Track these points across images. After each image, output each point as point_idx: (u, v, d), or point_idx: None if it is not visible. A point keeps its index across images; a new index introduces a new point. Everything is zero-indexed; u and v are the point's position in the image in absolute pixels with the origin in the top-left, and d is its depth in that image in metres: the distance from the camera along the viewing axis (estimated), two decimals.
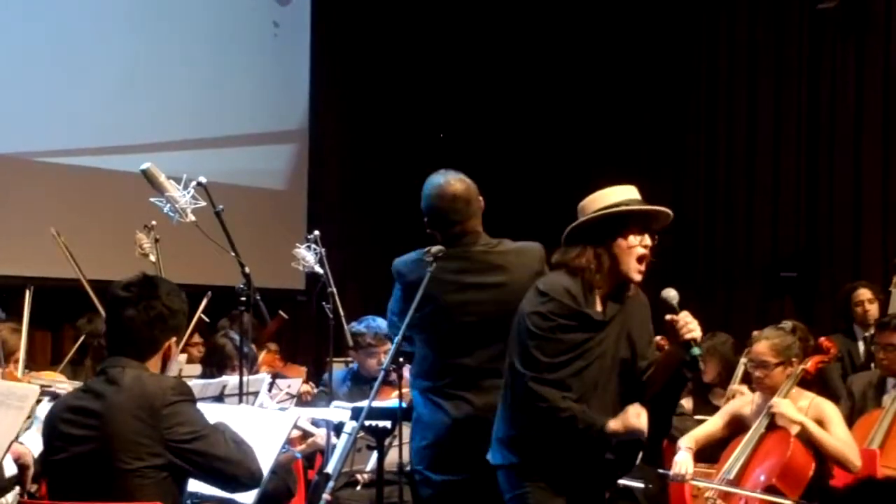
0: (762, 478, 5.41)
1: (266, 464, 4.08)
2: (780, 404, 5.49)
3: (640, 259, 4.25)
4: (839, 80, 9.85)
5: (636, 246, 4.23)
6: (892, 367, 6.35)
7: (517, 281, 4.56)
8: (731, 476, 5.46)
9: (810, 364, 5.74)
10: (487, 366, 4.59)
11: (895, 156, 9.54)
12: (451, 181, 4.75)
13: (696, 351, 4.17)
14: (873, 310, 7.71)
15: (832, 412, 5.58)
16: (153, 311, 3.77)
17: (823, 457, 5.46)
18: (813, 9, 9.82)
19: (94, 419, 3.68)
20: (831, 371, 7.28)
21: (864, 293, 7.81)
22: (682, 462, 5.45)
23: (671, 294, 4.26)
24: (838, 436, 5.47)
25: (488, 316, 4.60)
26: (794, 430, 5.47)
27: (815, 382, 5.92)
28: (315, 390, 6.91)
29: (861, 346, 7.68)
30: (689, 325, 4.18)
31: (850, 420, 6.11)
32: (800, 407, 5.53)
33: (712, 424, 5.72)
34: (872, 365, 6.80)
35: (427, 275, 4.52)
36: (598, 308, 4.27)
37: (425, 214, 4.80)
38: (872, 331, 7.11)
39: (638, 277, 4.26)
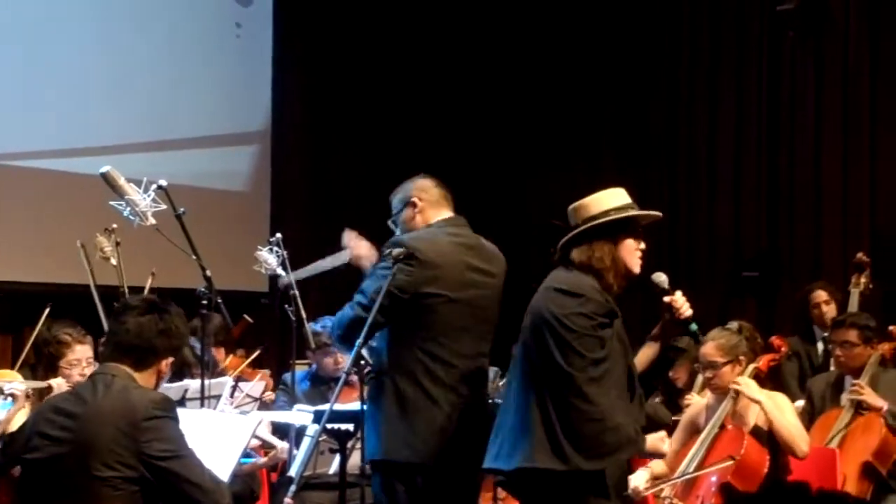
0: (717, 476, 5.45)
1: (227, 468, 4.08)
2: (744, 383, 5.58)
3: (639, 257, 4.52)
4: (799, 82, 9.90)
5: (637, 248, 4.50)
6: (849, 364, 6.40)
7: (499, 280, 4.88)
8: (689, 471, 5.50)
9: (762, 362, 5.83)
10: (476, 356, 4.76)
11: (854, 156, 9.59)
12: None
13: (694, 327, 4.56)
14: (830, 310, 7.76)
15: (784, 402, 5.70)
16: (162, 324, 3.87)
17: (778, 453, 5.52)
18: (773, 10, 9.86)
19: (73, 422, 3.72)
20: (786, 369, 7.33)
21: (820, 295, 7.86)
22: (635, 478, 5.48)
23: (662, 278, 4.57)
24: (790, 421, 5.57)
25: (482, 304, 4.77)
26: (752, 417, 5.55)
27: (768, 381, 5.97)
28: (273, 395, 6.89)
29: (820, 346, 7.72)
30: (686, 304, 4.53)
31: (811, 422, 6.16)
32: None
33: (675, 441, 5.75)
34: (831, 366, 6.84)
35: (390, 277, 4.55)
36: None
37: (405, 204, 4.94)
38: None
39: (638, 269, 4.51)
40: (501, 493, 5.70)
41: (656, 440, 4.49)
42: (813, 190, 9.79)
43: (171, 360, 3.89)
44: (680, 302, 4.52)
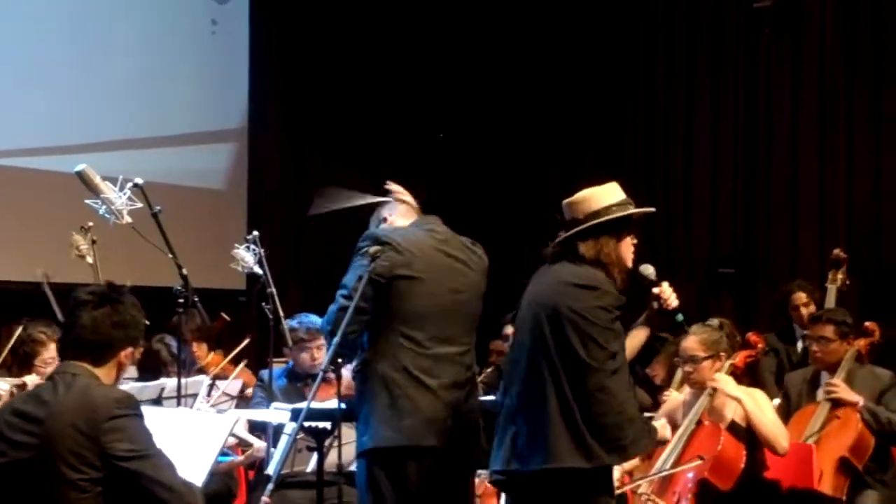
0: (694, 472, 5.47)
1: (204, 467, 4.06)
2: (722, 379, 5.61)
3: (633, 252, 4.60)
4: (775, 79, 9.94)
5: (633, 243, 4.58)
6: (825, 360, 6.41)
7: (478, 272, 4.91)
8: (665, 469, 5.52)
9: (738, 359, 5.86)
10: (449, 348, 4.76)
11: (830, 153, 9.63)
12: None
13: (681, 317, 4.66)
14: (810, 311, 7.77)
15: (762, 399, 5.73)
16: (116, 316, 3.76)
17: (754, 448, 5.54)
18: (749, 8, 9.90)
19: (35, 426, 3.62)
20: (763, 365, 7.34)
21: (800, 297, 7.88)
22: None
23: (650, 270, 4.65)
24: (769, 418, 5.60)
25: (459, 289, 4.80)
26: (729, 413, 5.57)
27: (745, 377, 6.00)
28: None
29: (800, 345, 7.75)
30: (674, 295, 4.62)
31: (788, 418, 6.18)
32: (731, 399, 5.66)
33: None
34: (809, 361, 6.86)
35: (366, 275, 4.57)
36: None
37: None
38: None
39: (630, 265, 4.58)
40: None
41: (661, 428, 4.51)
42: (789, 187, 9.82)
43: (130, 350, 3.80)
44: (667, 293, 4.60)
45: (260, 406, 6.19)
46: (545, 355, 4.38)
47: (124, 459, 3.55)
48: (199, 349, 7.12)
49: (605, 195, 4.55)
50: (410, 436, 4.63)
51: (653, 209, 4.73)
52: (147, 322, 7.40)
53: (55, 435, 3.58)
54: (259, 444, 5.73)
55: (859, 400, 6.14)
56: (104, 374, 3.74)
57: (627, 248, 4.54)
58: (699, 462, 5.37)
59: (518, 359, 4.49)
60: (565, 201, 4.57)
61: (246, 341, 6.96)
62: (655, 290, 4.61)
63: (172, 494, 3.58)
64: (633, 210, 4.54)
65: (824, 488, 5.96)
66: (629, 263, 4.55)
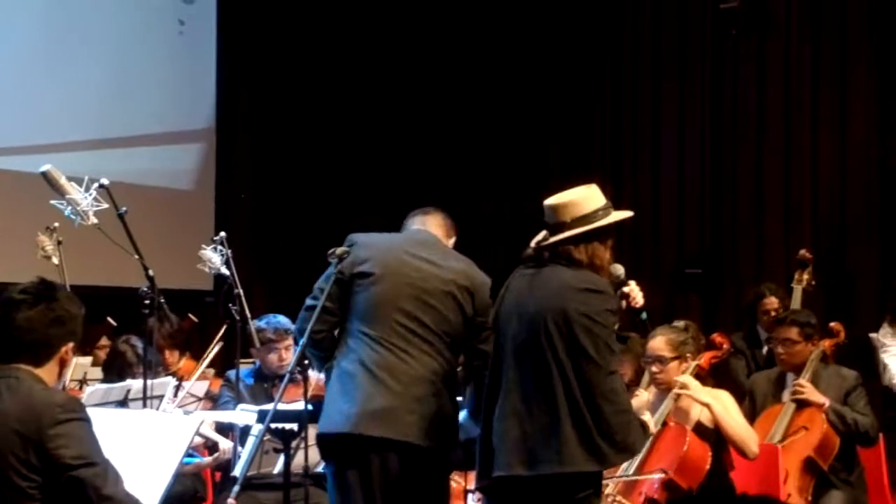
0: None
1: (169, 469, 4.04)
2: (691, 385, 5.63)
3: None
4: (741, 80, 9.98)
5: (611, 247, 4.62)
6: (790, 362, 6.44)
7: (453, 270, 4.83)
8: (630, 472, 5.53)
9: (704, 360, 5.89)
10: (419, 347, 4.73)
11: (796, 154, 9.68)
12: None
13: (644, 315, 4.72)
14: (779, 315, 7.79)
15: (729, 401, 5.73)
16: (52, 313, 3.63)
17: (720, 449, 5.57)
18: (716, 8, 9.93)
19: None
20: (736, 365, 7.38)
21: (772, 302, 7.82)
22: None
23: (620, 270, 4.67)
24: (737, 422, 5.63)
25: (424, 287, 4.75)
26: (695, 414, 5.59)
27: (710, 378, 6.02)
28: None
29: (765, 349, 7.77)
30: (640, 294, 4.69)
31: (753, 419, 6.20)
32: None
33: None
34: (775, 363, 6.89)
35: (332, 275, 4.58)
36: None
37: None
38: None
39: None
40: None
41: (651, 424, 4.64)
42: (755, 188, 9.86)
43: (71, 345, 3.69)
44: (635, 292, 4.66)
45: (227, 405, 6.18)
46: (555, 358, 4.36)
47: (71, 468, 3.42)
48: (171, 356, 7.03)
49: (591, 199, 4.56)
50: (355, 423, 4.60)
51: (631, 213, 4.73)
52: (114, 323, 7.41)
53: (0, 442, 3.46)
54: (226, 444, 5.72)
55: (826, 401, 6.17)
56: (46, 373, 3.62)
57: (609, 251, 4.59)
58: (661, 475, 5.40)
59: (507, 360, 4.47)
60: (548, 203, 4.55)
61: (219, 345, 6.93)
62: (625, 289, 4.65)
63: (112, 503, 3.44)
64: (622, 216, 4.59)
65: (790, 488, 5.99)
66: (610, 266, 4.61)
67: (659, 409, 5.69)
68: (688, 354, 5.76)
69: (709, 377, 5.98)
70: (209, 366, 6.79)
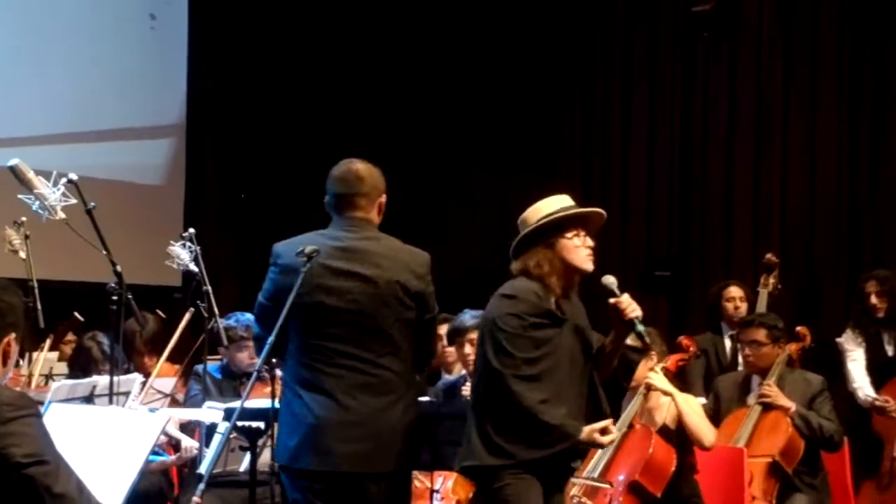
0: (625, 475, 5.52)
1: (135, 466, 4.03)
2: (655, 377, 5.70)
3: (587, 255, 4.60)
4: (713, 83, 10.01)
5: (580, 246, 4.57)
6: (757, 364, 6.47)
7: (385, 278, 4.55)
8: (595, 474, 5.56)
9: (671, 362, 5.94)
10: (348, 362, 4.51)
11: (766, 159, 9.72)
12: (355, 161, 4.76)
13: (640, 327, 4.58)
14: (743, 308, 7.85)
15: (692, 399, 5.85)
16: None
17: (685, 451, 5.60)
18: (688, 11, 9.96)
19: None
20: (692, 368, 7.42)
21: (736, 291, 7.96)
22: None
23: (611, 280, 4.63)
24: (697, 414, 5.71)
25: (353, 308, 4.52)
26: (661, 416, 5.62)
27: (676, 381, 6.06)
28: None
29: (728, 343, 7.82)
30: (632, 305, 4.55)
31: (716, 421, 6.24)
32: (662, 402, 5.72)
33: None
34: (739, 365, 6.94)
35: (301, 275, 4.48)
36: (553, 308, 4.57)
37: (326, 194, 4.76)
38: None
39: (590, 266, 4.61)
40: None
41: (593, 431, 4.48)
42: (724, 191, 9.90)
43: (13, 336, 3.59)
44: (625, 304, 4.56)
45: (196, 398, 6.16)
46: (478, 362, 4.60)
47: (22, 466, 3.26)
48: (150, 361, 6.87)
49: (544, 207, 4.62)
50: (291, 457, 4.52)
51: (586, 210, 4.69)
52: (81, 318, 7.37)
53: None
54: (190, 442, 5.70)
55: (792, 406, 6.21)
56: None
57: (570, 251, 4.55)
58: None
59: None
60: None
61: (200, 339, 6.88)
62: (611, 300, 4.58)
63: (66, 503, 3.28)
64: (553, 217, 4.55)
65: (754, 491, 6.02)
66: (581, 265, 4.56)
67: (626, 410, 5.71)
68: (653, 353, 5.79)
69: (675, 380, 6.01)
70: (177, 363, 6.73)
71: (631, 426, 5.67)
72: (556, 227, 4.56)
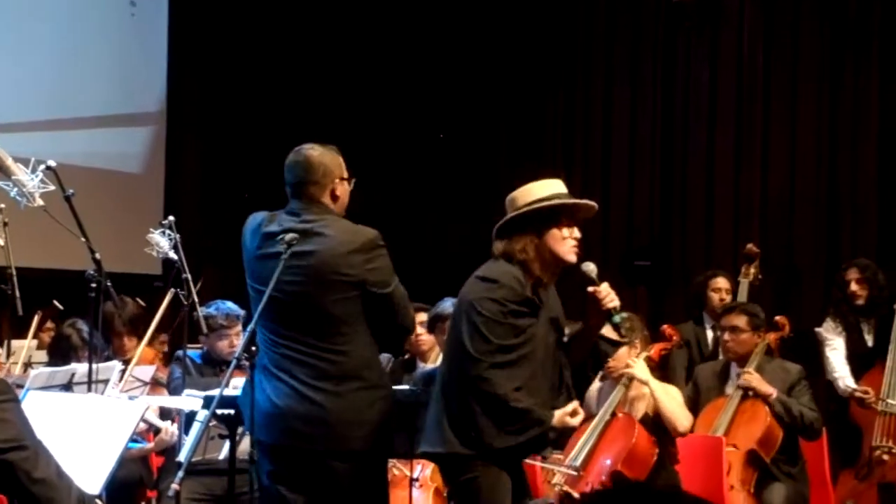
0: (608, 463, 5.53)
1: (114, 455, 4.02)
2: (635, 367, 5.69)
3: (572, 246, 4.53)
4: (694, 72, 10.03)
5: (568, 238, 4.51)
6: (736, 350, 6.47)
7: (321, 258, 4.50)
8: (578, 463, 5.57)
9: (654, 351, 5.92)
10: (292, 344, 4.51)
11: (747, 149, 9.74)
12: (309, 146, 4.72)
13: (617, 318, 4.52)
14: (728, 301, 7.85)
15: (673, 389, 5.85)
16: None
17: (665, 442, 5.60)
18: (669, 1, 9.97)
19: None
20: (675, 358, 7.43)
21: (723, 282, 7.93)
22: None
23: (591, 267, 4.59)
24: (674, 400, 5.71)
25: (299, 287, 4.50)
26: (643, 406, 5.62)
27: (657, 370, 6.06)
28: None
29: (710, 334, 7.83)
30: (611, 295, 4.51)
31: (695, 409, 6.25)
32: (644, 392, 5.72)
33: None
34: (720, 354, 6.95)
35: (281, 263, 4.47)
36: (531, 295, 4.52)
37: None
38: None
39: (573, 258, 4.55)
40: None
41: (564, 415, 4.46)
42: (705, 180, 9.92)
43: None
44: (604, 293, 4.51)
45: (178, 381, 6.14)
46: (451, 345, 4.53)
47: (1, 451, 3.26)
48: (130, 342, 6.85)
49: (534, 191, 4.55)
50: (268, 437, 4.55)
51: (582, 201, 4.63)
52: (61, 306, 7.34)
53: None
54: (165, 425, 5.68)
55: (773, 392, 6.21)
56: None
57: (557, 241, 4.50)
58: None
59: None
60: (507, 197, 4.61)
61: (176, 321, 6.82)
62: (590, 289, 4.54)
63: (45, 488, 3.29)
64: (547, 204, 4.49)
65: (732, 480, 6.04)
66: (564, 257, 4.51)
67: (608, 398, 5.71)
68: (636, 341, 5.78)
69: (657, 370, 6.01)
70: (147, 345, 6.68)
71: (614, 414, 5.67)
72: (550, 215, 4.50)
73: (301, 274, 4.48)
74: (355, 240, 4.54)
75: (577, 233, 4.55)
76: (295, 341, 4.51)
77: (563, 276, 4.65)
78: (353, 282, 4.47)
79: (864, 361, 7.29)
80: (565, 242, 4.51)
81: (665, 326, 6.36)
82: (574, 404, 4.53)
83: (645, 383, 5.66)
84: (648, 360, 5.86)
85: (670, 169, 10.14)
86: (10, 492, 3.33)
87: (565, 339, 4.60)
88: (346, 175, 4.69)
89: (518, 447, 4.44)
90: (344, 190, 4.68)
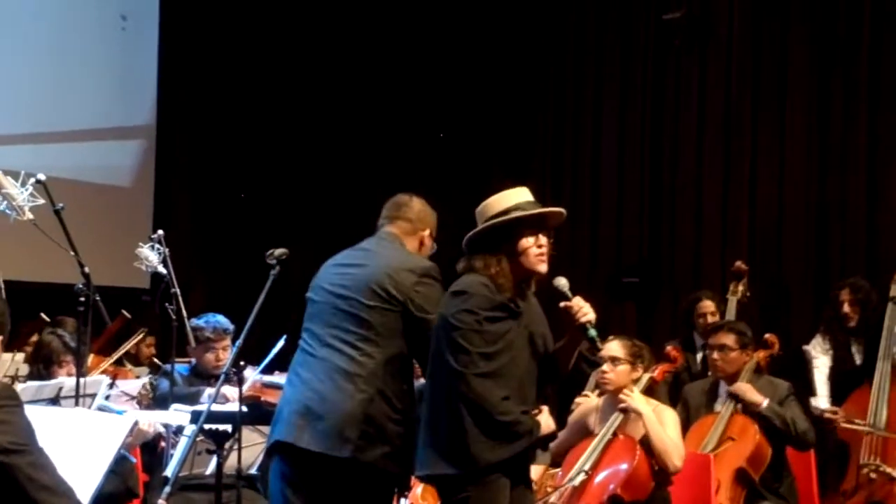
0: (607, 485, 5.45)
1: (101, 468, 4.01)
2: (632, 395, 5.62)
3: (538, 256, 4.46)
4: (683, 90, 10.04)
5: (531, 247, 4.44)
6: (725, 369, 6.45)
7: (371, 269, 4.63)
8: (577, 483, 5.50)
9: (657, 372, 5.86)
10: (329, 345, 4.60)
11: (736, 167, 9.74)
12: (413, 195, 5.01)
13: (592, 332, 4.43)
14: (715, 321, 7.83)
15: (670, 418, 5.70)
16: None
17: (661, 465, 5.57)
18: (659, 19, 10.00)
19: None
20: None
21: (708, 306, 7.89)
22: None
23: (562, 282, 4.52)
24: (669, 435, 5.59)
25: (345, 290, 4.64)
26: (639, 431, 5.58)
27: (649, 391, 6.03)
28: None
29: (699, 356, 7.81)
30: (584, 309, 4.44)
31: (686, 428, 6.23)
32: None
33: (563, 440, 5.78)
34: (709, 374, 6.93)
35: (270, 277, 4.53)
36: None
37: None
38: None
39: (543, 268, 4.48)
40: None
41: (545, 417, 4.46)
42: (694, 197, 9.93)
43: (0, 338, 3.58)
44: (576, 307, 4.45)
45: (163, 391, 6.13)
46: (434, 362, 4.46)
47: (6, 452, 3.31)
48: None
49: (492, 206, 4.51)
50: (276, 434, 4.60)
51: (542, 210, 4.53)
52: (48, 319, 7.31)
53: None
54: (143, 416, 5.67)
55: (763, 401, 6.20)
56: None
57: (523, 253, 4.44)
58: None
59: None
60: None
61: (141, 335, 6.78)
62: (562, 303, 4.48)
63: (49, 495, 3.33)
64: (494, 222, 4.45)
65: (721, 499, 6.02)
66: (534, 267, 4.45)
67: (609, 419, 5.66)
68: (640, 365, 5.74)
69: (650, 390, 5.95)
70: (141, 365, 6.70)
71: (615, 435, 5.61)
72: (508, 228, 4.45)
73: (351, 278, 4.64)
74: (412, 262, 4.71)
75: (541, 240, 4.47)
76: (331, 342, 4.59)
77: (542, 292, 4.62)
78: (398, 297, 4.58)
79: (852, 379, 7.27)
80: (528, 253, 4.44)
81: (670, 348, 6.27)
82: (543, 408, 4.53)
83: (639, 414, 5.57)
84: (652, 381, 5.80)
85: (659, 186, 10.15)
86: (9, 498, 3.34)
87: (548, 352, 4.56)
88: (435, 234, 4.89)
89: (512, 459, 4.37)
90: (429, 246, 4.87)
